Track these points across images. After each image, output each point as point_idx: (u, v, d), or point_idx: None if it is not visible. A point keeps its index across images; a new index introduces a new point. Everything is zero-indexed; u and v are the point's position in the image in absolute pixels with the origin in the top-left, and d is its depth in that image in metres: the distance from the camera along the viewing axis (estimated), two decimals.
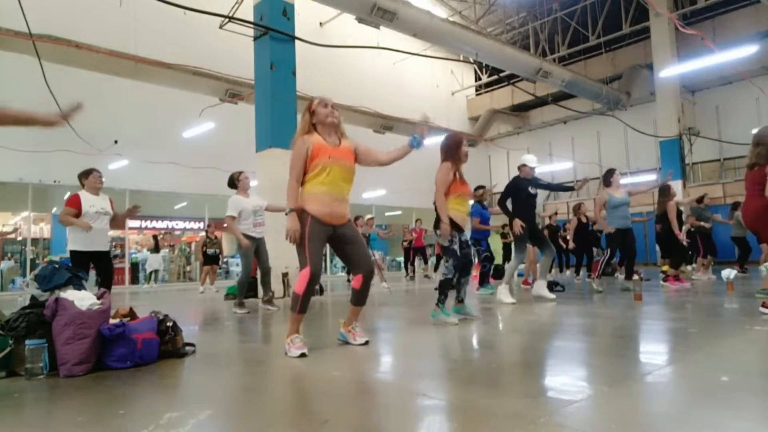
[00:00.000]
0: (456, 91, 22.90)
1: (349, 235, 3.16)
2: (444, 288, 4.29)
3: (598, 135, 19.71)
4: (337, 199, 3.07)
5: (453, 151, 4.34)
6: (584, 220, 9.58)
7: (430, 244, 23.10)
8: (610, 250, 6.84)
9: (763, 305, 4.05)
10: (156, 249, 15.95)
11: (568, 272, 11.60)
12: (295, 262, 3.08)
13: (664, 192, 7.55)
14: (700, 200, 9.35)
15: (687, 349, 2.94)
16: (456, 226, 4.26)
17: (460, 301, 4.55)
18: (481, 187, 7.73)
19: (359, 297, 3.25)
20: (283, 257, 7.17)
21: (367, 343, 3.24)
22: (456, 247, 4.22)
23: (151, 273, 15.16)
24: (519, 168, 6.12)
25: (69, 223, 4.65)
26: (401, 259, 22.28)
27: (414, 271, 13.57)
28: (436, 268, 14.85)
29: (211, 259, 10.89)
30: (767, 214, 4.09)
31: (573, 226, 9.65)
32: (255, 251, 5.88)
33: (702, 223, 9.05)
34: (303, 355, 2.89)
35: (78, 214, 4.65)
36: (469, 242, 4.51)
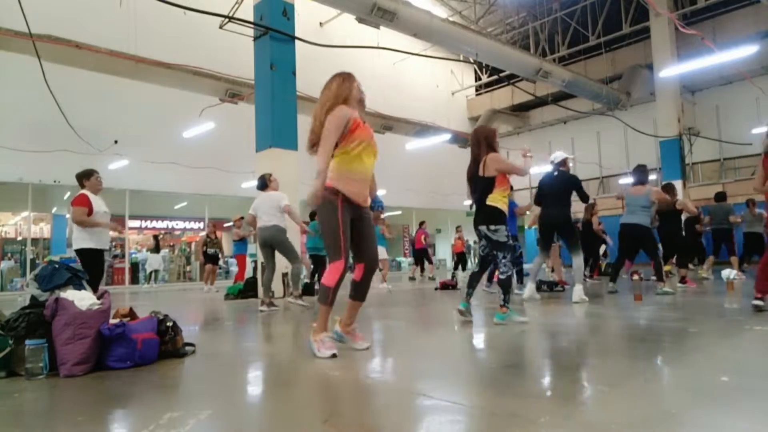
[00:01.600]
0: (456, 91, 22.91)
1: (366, 219, 3.05)
2: (508, 287, 4.06)
3: (598, 135, 19.71)
4: (368, 180, 2.99)
5: (492, 141, 4.21)
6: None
7: (431, 244, 22.98)
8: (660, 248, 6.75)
9: (756, 297, 4.12)
10: (156, 249, 15.96)
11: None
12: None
13: (671, 190, 7.39)
14: (720, 198, 9.14)
15: (687, 349, 2.93)
16: (506, 220, 4.11)
17: (469, 296, 4.38)
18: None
19: (359, 290, 3.08)
20: (283, 258, 7.15)
21: (368, 348, 3.09)
22: (511, 242, 4.09)
23: (151, 273, 15.17)
24: (562, 163, 5.83)
25: (90, 224, 4.72)
26: (401, 259, 22.32)
27: (422, 272, 13.46)
28: (456, 267, 14.74)
29: (212, 259, 10.93)
30: None
31: (596, 223, 9.65)
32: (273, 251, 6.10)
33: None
34: (334, 355, 2.78)
35: (90, 213, 4.77)
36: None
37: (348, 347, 3.09)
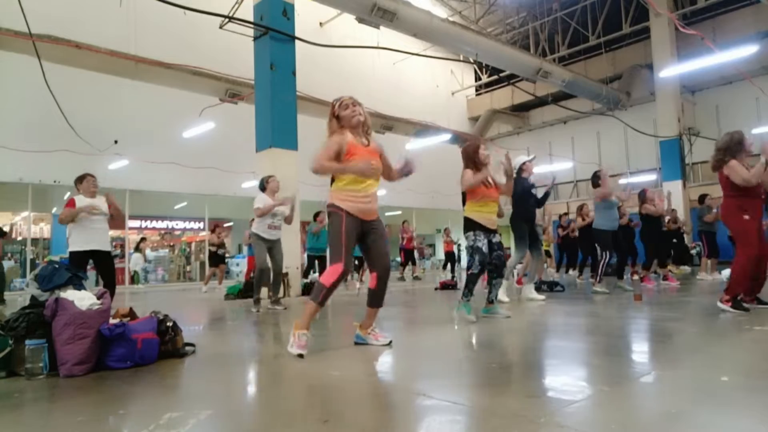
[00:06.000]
0: (456, 91, 22.88)
1: (376, 231, 3.17)
2: (469, 282, 4.40)
3: (598, 135, 19.70)
4: (369, 197, 3.10)
5: (471, 157, 4.49)
6: (587, 220, 9.56)
7: (430, 244, 22.87)
8: (607, 252, 6.83)
9: (720, 300, 4.21)
10: (137, 249, 15.76)
11: (570, 272, 11.60)
12: (294, 263, 3.07)
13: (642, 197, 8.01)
14: (701, 200, 9.29)
15: (687, 349, 2.94)
16: (479, 227, 4.44)
17: (490, 302, 4.61)
18: None
19: (375, 297, 3.21)
20: (281, 259, 7.16)
21: (390, 343, 3.19)
22: (480, 245, 4.40)
23: (134, 273, 14.99)
24: (520, 168, 6.12)
25: (69, 217, 4.77)
26: (399, 259, 22.32)
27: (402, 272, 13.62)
28: (444, 267, 14.86)
29: (221, 259, 11.28)
30: (731, 212, 4.31)
31: (580, 225, 9.67)
32: (268, 252, 6.00)
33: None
34: (301, 356, 2.85)
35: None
36: (501, 244, 4.58)
37: (351, 347, 3.10)
